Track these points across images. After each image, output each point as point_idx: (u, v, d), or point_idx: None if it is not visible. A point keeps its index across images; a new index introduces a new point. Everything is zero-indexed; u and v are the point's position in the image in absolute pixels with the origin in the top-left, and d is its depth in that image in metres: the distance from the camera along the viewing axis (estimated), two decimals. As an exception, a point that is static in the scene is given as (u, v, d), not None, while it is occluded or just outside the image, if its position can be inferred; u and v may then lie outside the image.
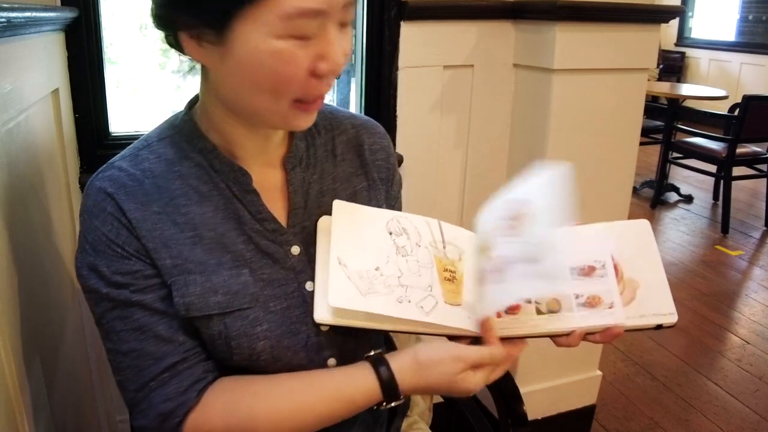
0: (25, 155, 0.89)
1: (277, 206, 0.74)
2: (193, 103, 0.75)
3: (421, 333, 0.73)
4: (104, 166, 0.70)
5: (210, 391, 0.68)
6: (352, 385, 0.69)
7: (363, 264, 0.72)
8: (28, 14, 0.83)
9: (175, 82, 1.65)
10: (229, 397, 0.68)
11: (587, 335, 0.72)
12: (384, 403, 0.69)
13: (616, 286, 0.74)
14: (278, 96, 0.63)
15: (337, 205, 0.75)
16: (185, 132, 0.71)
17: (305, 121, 0.67)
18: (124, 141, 1.27)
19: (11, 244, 0.78)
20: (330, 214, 0.75)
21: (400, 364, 0.69)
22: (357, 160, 0.81)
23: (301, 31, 0.59)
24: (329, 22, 0.60)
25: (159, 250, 0.67)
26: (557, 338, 0.73)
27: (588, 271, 0.76)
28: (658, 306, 0.72)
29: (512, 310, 0.74)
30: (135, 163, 0.69)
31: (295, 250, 0.73)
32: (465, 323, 0.72)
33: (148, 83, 1.66)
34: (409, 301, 0.71)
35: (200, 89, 0.71)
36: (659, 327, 0.71)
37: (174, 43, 0.66)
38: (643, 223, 0.79)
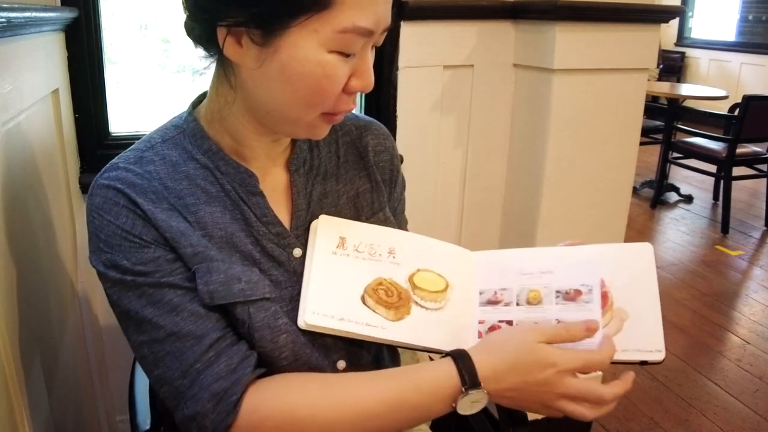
0: (25, 155, 0.89)
1: (281, 208, 0.74)
2: (197, 103, 0.74)
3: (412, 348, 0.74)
4: (107, 166, 0.69)
5: (265, 380, 0.65)
6: (427, 372, 0.64)
7: (339, 282, 0.73)
8: (28, 14, 0.83)
9: (178, 82, 1.65)
10: (296, 378, 0.66)
11: None
12: (464, 390, 0.62)
13: (600, 314, 0.70)
14: (311, 107, 0.64)
15: (323, 220, 0.75)
16: (189, 132, 0.71)
17: (324, 132, 0.69)
18: (124, 141, 1.27)
19: (11, 244, 0.78)
20: (331, 215, 0.76)
21: (476, 348, 0.66)
22: (360, 162, 0.81)
23: (348, 47, 0.61)
24: (370, 42, 0.63)
25: (178, 240, 0.65)
26: None
27: (573, 296, 0.72)
28: (644, 341, 0.68)
29: (491, 330, 0.73)
30: (140, 165, 0.68)
31: (297, 252, 0.73)
32: (438, 342, 0.72)
33: (148, 83, 1.66)
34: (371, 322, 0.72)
35: (212, 87, 0.70)
36: (644, 363, 0.68)
37: (202, 36, 0.64)
38: (645, 247, 0.74)
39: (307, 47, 0.59)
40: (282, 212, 0.74)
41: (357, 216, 0.79)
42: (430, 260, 0.79)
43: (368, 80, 0.64)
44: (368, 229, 0.78)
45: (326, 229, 0.75)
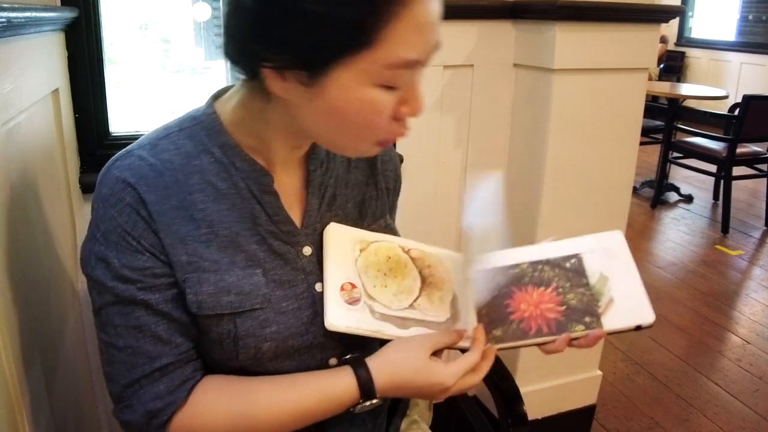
0: (26, 155, 0.89)
1: (292, 206, 0.74)
2: (217, 96, 0.73)
3: None
4: (122, 153, 0.69)
5: (196, 390, 0.69)
6: (332, 384, 0.70)
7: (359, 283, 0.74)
8: (28, 14, 0.83)
9: (178, 82, 1.65)
10: (214, 397, 0.68)
11: (572, 341, 0.74)
12: (361, 402, 0.69)
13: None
14: (361, 139, 0.65)
15: (332, 228, 0.76)
16: (207, 125, 0.70)
17: (376, 152, 0.69)
18: (124, 141, 1.27)
19: (11, 244, 0.78)
20: (338, 218, 0.77)
21: (376, 363, 0.70)
22: (369, 169, 0.82)
23: (395, 80, 0.60)
24: (418, 70, 0.62)
25: (175, 246, 0.66)
26: (544, 346, 0.75)
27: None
28: (634, 312, 0.75)
29: None
30: (154, 153, 0.68)
31: (307, 251, 0.74)
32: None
33: (148, 83, 1.66)
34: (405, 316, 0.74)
35: (246, 96, 0.68)
36: (638, 328, 0.74)
37: (246, 71, 0.64)
38: (616, 234, 0.81)
39: (353, 86, 0.59)
40: (293, 210, 0.74)
41: (361, 221, 0.80)
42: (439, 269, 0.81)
43: (418, 107, 0.64)
44: (379, 236, 0.80)
45: (338, 236, 0.76)
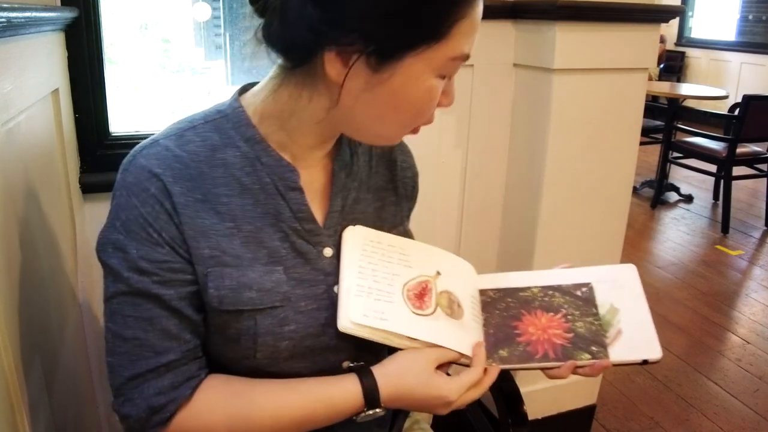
0: (26, 155, 0.89)
1: (315, 206, 0.73)
2: (242, 91, 0.73)
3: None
4: (147, 142, 0.68)
5: (199, 389, 0.68)
6: (336, 390, 0.69)
7: (380, 284, 0.73)
8: (28, 14, 0.83)
9: (178, 82, 1.65)
10: (214, 396, 0.68)
11: (577, 369, 0.75)
12: (365, 410, 0.69)
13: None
14: (408, 126, 0.68)
15: (353, 231, 0.76)
16: (233, 118, 0.69)
17: (400, 140, 0.73)
18: (124, 141, 1.27)
19: (11, 244, 0.78)
20: (356, 222, 0.77)
21: (382, 372, 0.70)
22: (389, 175, 0.83)
23: (451, 71, 0.65)
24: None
25: (198, 239, 0.65)
26: (548, 371, 0.76)
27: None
28: (642, 347, 0.75)
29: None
30: (180, 144, 0.67)
31: (328, 252, 0.73)
32: (467, 348, 0.75)
33: (148, 83, 1.66)
34: (421, 322, 0.73)
35: (285, 88, 0.68)
36: (645, 362, 0.75)
37: (300, 53, 0.63)
38: (630, 268, 0.82)
39: (419, 75, 0.62)
40: (316, 210, 0.73)
41: (379, 227, 0.80)
42: (454, 276, 0.80)
43: (453, 96, 0.69)
44: (401, 240, 0.79)
45: (360, 236, 0.76)
